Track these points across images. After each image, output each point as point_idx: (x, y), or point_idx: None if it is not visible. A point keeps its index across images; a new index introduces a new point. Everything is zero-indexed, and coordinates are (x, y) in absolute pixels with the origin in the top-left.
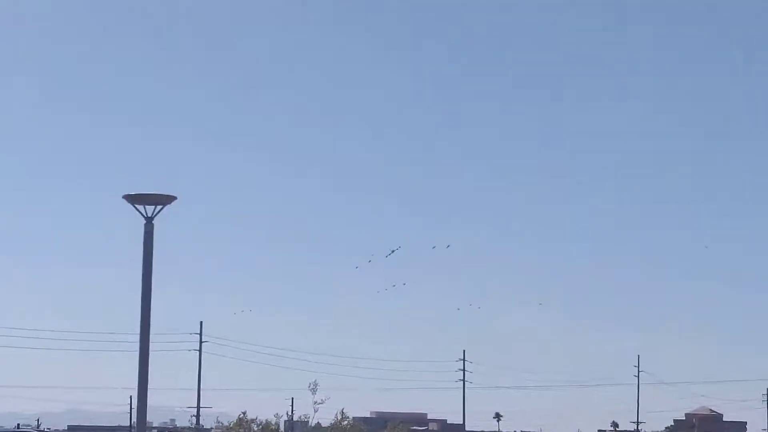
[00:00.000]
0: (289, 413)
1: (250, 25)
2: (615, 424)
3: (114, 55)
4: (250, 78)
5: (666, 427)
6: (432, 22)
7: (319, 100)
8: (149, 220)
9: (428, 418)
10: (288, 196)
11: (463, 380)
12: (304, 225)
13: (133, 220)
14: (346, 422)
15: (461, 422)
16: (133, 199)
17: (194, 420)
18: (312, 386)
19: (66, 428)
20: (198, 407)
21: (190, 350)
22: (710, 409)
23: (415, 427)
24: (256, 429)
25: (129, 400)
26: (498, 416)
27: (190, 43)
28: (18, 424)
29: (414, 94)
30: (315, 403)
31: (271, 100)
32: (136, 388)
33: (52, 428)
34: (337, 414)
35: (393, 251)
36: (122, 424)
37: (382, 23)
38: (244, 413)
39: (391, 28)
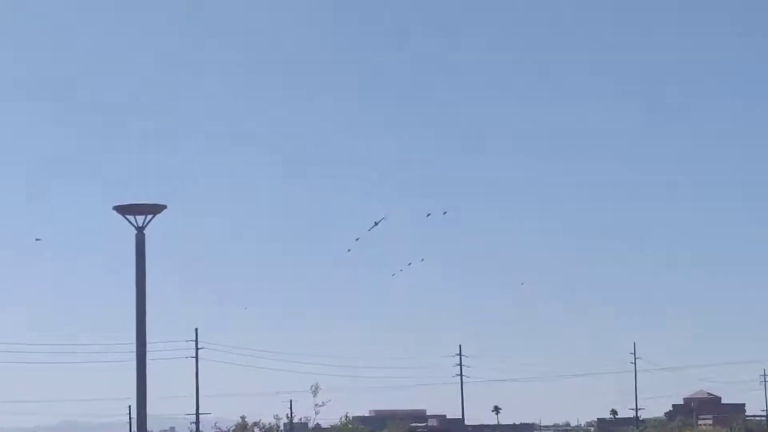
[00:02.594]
0: (289, 416)
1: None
2: (614, 412)
3: (103, 63)
4: (235, 75)
5: (665, 413)
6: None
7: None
8: (140, 230)
9: (427, 414)
10: (278, 195)
11: (461, 375)
12: (293, 222)
13: (125, 230)
14: (351, 426)
15: (461, 417)
16: (124, 209)
17: (194, 427)
18: (313, 388)
19: None
20: (197, 414)
21: (186, 357)
22: (708, 393)
23: (414, 424)
24: None
25: (128, 410)
26: (497, 409)
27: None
28: None
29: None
30: (316, 405)
31: (259, 96)
32: (135, 397)
33: None
34: (341, 418)
35: (377, 223)
36: None
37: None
38: (243, 418)
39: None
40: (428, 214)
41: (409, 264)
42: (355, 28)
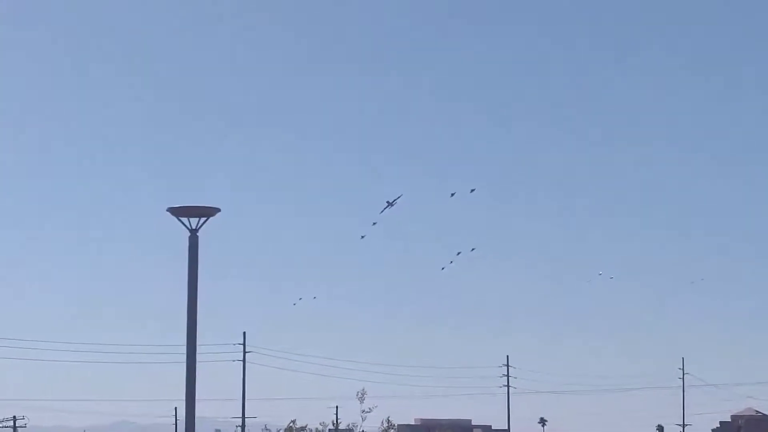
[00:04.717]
0: (335, 422)
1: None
2: (660, 427)
3: (156, 66)
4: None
5: (712, 430)
6: None
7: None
8: (193, 233)
9: (473, 424)
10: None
11: (507, 385)
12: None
13: (178, 232)
14: (392, 430)
15: (506, 428)
16: (178, 212)
17: (239, 430)
18: (360, 394)
19: None
20: (243, 417)
21: (234, 361)
22: (756, 410)
23: None
24: None
25: (174, 411)
26: (543, 421)
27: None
28: None
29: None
30: (363, 411)
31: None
32: (184, 399)
33: None
34: (382, 422)
35: (390, 203)
36: None
37: None
38: (293, 421)
39: None
40: (453, 194)
41: (458, 253)
42: (381, 2)
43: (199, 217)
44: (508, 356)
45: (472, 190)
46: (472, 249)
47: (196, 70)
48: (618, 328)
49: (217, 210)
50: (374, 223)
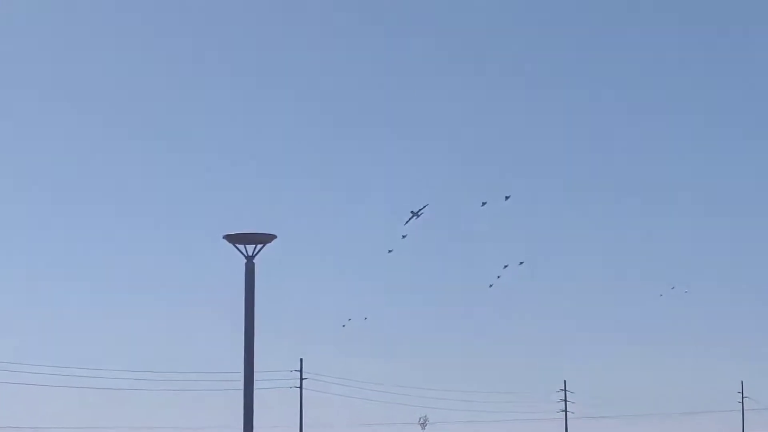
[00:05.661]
0: None
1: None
2: None
3: (206, 92)
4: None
5: None
6: None
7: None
8: (250, 259)
9: None
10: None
11: (565, 411)
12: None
13: (233, 259)
14: None
15: None
16: (234, 238)
17: None
18: (422, 420)
19: None
20: None
21: (291, 387)
22: None
23: None
24: None
25: None
26: None
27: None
28: None
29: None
30: None
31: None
32: (242, 427)
33: None
34: None
35: (416, 213)
36: None
37: None
38: None
39: None
40: (484, 203)
41: (505, 266)
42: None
43: (256, 243)
44: (565, 381)
45: (507, 198)
46: (521, 263)
47: (254, 95)
48: (676, 351)
49: (273, 236)
50: (404, 236)
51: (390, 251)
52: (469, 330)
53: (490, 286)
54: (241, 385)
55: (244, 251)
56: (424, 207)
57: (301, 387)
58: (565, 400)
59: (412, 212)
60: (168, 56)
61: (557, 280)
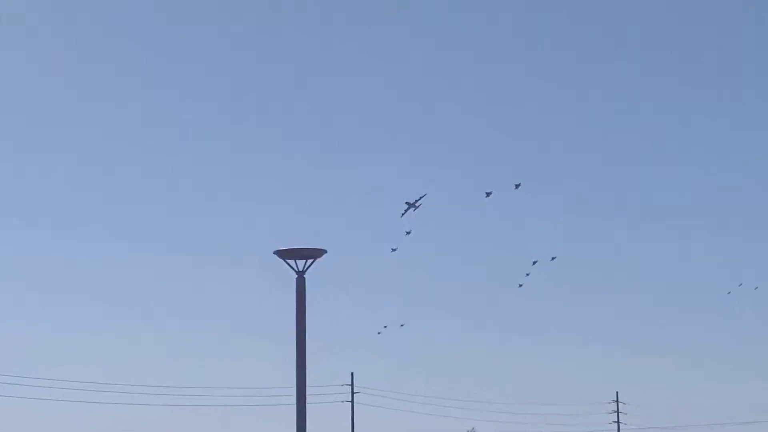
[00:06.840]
0: None
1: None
2: None
3: (254, 110)
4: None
5: None
6: None
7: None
8: (300, 275)
9: None
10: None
11: (618, 422)
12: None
13: (282, 275)
14: None
15: None
16: (284, 254)
17: None
18: None
19: None
20: None
21: (342, 401)
22: None
23: None
24: None
25: None
26: None
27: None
28: None
29: None
30: None
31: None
32: None
33: None
34: None
35: (412, 205)
36: None
37: None
38: None
39: None
40: (488, 193)
41: (534, 262)
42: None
43: (306, 258)
44: (617, 393)
45: (517, 186)
46: (553, 258)
47: (304, 108)
48: (732, 359)
49: (324, 251)
50: (408, 232)
51: (394, 249)
52: (506, 334)
53: (520, 285)
54: (292, 400)
55: (294, 266)
56: (422, 197)
57: (352, 401)
58: (618, 412)
59: (407, 203)
60: (201, 71)
61: (598, 281)
